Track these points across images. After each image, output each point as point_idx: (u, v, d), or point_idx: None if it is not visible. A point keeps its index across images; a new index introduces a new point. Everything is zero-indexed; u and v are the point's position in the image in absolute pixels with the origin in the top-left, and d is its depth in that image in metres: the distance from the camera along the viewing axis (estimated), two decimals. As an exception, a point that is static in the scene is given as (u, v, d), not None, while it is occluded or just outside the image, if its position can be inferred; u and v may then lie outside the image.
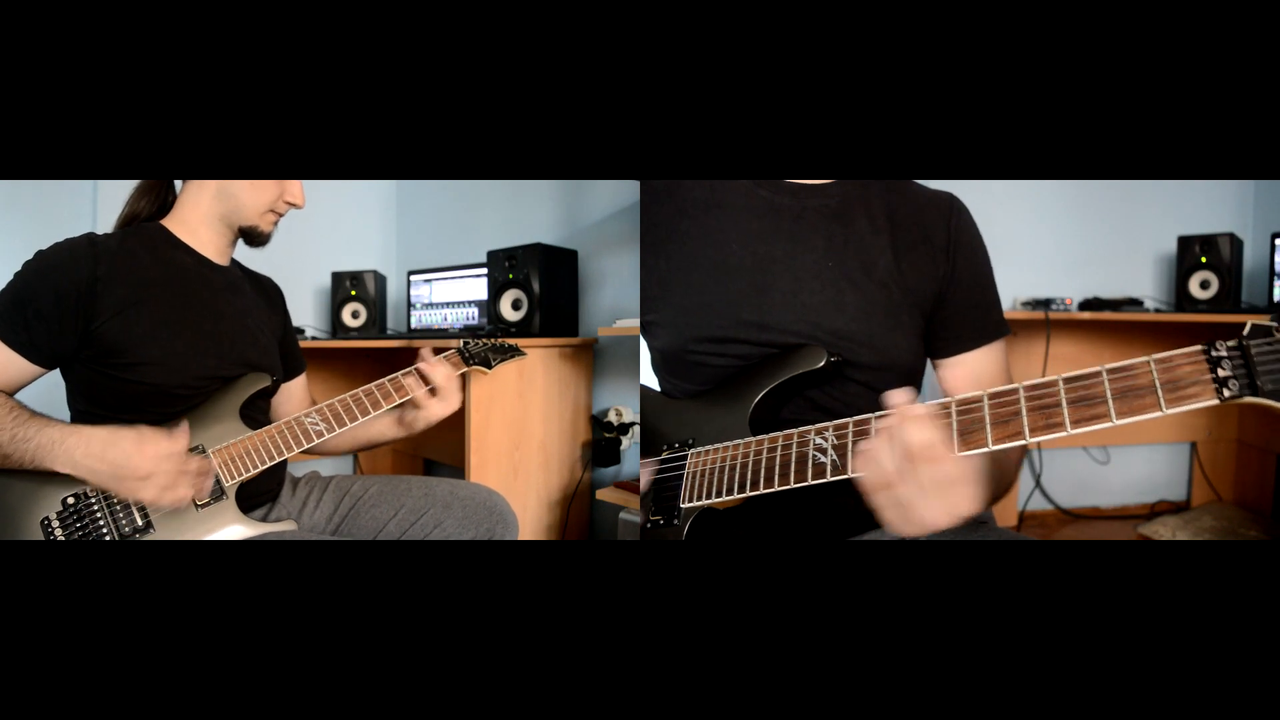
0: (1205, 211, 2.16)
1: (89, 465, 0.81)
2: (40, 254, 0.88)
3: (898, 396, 0.57)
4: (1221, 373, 0.50)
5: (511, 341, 1.24)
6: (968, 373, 0.84)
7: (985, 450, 0.57)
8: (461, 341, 1.16)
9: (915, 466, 0.55)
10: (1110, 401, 0.53)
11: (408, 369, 1.04)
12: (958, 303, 0.83)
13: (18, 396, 0.87)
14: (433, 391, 1.04)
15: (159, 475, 0.82)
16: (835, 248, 0.81)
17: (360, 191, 2.59)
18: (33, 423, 0.83)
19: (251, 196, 0.98)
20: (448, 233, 2.49)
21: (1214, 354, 0.50)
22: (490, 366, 1.16)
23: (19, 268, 0.88)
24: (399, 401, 1.03)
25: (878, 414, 0.63)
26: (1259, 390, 0.48)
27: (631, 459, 1.87)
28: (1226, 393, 0.49)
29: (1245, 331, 0.50)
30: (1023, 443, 0.56)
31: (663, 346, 0.87)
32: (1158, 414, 0.51)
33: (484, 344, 1.18)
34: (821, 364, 0.76)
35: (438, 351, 1.10)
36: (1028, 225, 2.16)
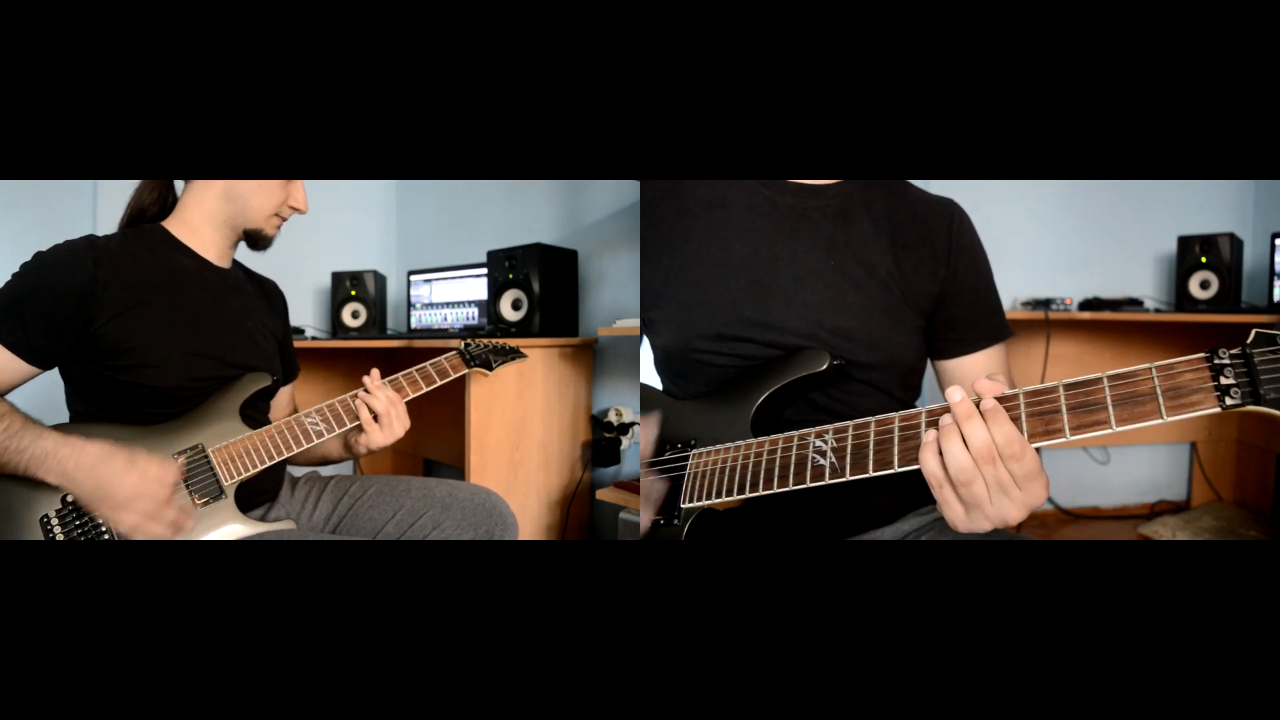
0: (1205, 211, 2.16)
1: (78, 478, 0.81)
2: (40, 255, 0.88)
3: (956, 394, 0.56)
4: (1224, 381, 0.49)
5: (512, 343, 1.24)
6: (970, 374, 0.85)
7: None
8: (463, 343, 1.16)
9: (995, 463, 0.54)
10: (1110, 408, 0.52)
11: (354, 391, 1.00)
12: (961, 306, 0.84)
13: (13, 396, 0.87)
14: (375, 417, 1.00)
15: (139, 503, 0.81)
16: (837, 247, 0.81)
17: (360, 191, 2.59)
18: (27, 432, 0.82)
19: (258, 199, 0.98)
20: (448, 233, 2.49)
21: (1217, 362, 0.50)
22: (491, 368, 1.16)
23: (18, 268, 0.87)
24: (349, 426, 0.99)
25: (927, 408, 0.61)
26: (1262, 399, 0.47)
27: (631, 459, 1.87)
28: (1229, 401, 0.48)
29: (1249, 339, 0.49)
30: None
31: (665, 344, 0.87)
32: (1158, 421, 0.51)
33: (485, 345, 1.18)
34: (824, 367, 0.76)
35: (439, 353, 1.10)
36: (1028, 225, 2.16)
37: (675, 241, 0.86)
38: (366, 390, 0.99)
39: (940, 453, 0.57)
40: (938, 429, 0.57)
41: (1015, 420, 0.56)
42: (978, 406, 0.56)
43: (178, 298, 0.94)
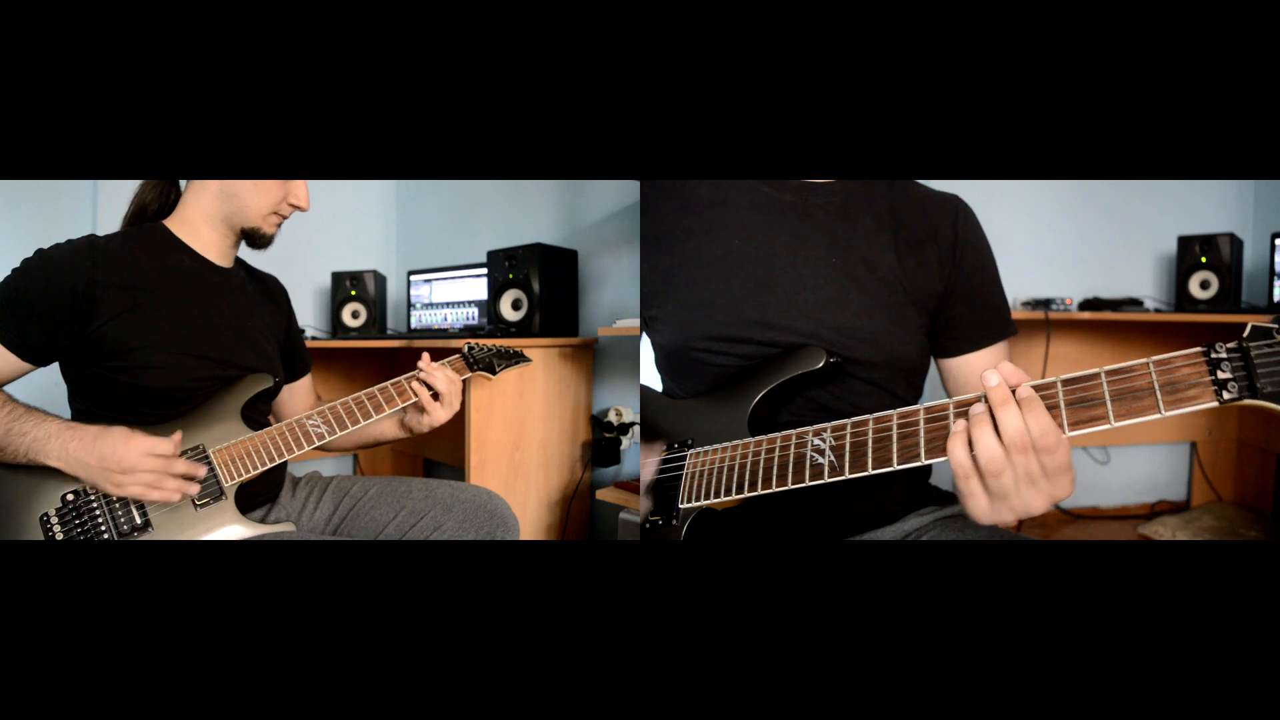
0: (1205, 211, 2.16)
1: (80, 457, 0.81)
2: (40, 253, 0.88)
3: (992, 378, 0.55)
4: (1221, 375, 0.49)
5: (516, 347, 1.24)
6: (974, 372, 0.85)
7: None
8: (465, 345, 1.15)
9: (1028, 453, 0.53)
10: (1109, 403, 0.53)
11: (410, 374, 1.05)
12: (966, 303, 0.83)
13: (15, 392, 0.88)
14: (435, 396, 1.05)
15: (142, 471, 0.82)
16: (839, 245, 0.81)
17: (360, 191, 2.59)
18: (29, 417, 0.83)
19: (254, 198, 0.98)
20: (448, 233, 2.49)
21: (1214, 356, 0.50)
22: (494, 372, 1.16)
23: (19, 264, 0.88)
24: (402, 405, 1.03)
25: (955, 399, 0.60)
26: (1258, 392, 0.48)
27: (631, 459, 1.87)
28: (1226, 395, 0.49)
29: (1245, 334, 0.50)
30: None
31: (666, 343, 0.87)
32: (1156, 416, 0.51)
33: (488, 349, 1.18)
34: (820, 364, 0.76)
35: (437, 356, 1.10)
36: (1028, 225, 2.16)
37: (676, 240, 0.86)
38: (423, 371, 1.04)
39: (969, 442, 0.55)
40: (967, 419, 0.56)
41: (1053, 411, 0.54)
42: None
43: (177, 298, 0.94)
